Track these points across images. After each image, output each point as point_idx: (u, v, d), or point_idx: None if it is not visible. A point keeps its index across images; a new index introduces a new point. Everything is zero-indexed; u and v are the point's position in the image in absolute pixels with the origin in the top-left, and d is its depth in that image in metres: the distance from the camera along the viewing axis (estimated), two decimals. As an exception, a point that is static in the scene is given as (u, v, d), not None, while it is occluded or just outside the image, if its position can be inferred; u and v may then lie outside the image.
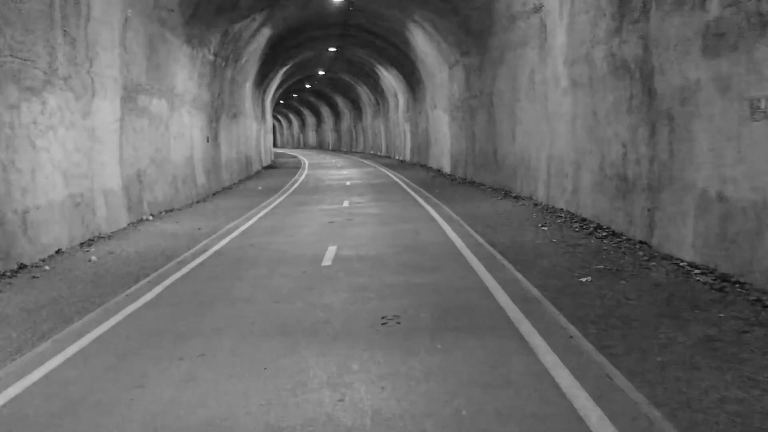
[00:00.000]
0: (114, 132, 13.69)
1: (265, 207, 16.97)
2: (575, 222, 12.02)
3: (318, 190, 22.06)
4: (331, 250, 10.15)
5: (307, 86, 59.20)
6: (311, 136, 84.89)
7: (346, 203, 17.24)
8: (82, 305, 7.30)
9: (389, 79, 40.05)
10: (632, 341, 5.41)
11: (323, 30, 32.16)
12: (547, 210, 13.93)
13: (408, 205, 16.18)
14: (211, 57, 21.31)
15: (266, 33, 27.05)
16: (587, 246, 9.79)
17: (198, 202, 19.12)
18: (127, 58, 14.23)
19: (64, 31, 11.32)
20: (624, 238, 10.10)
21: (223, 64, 23.40)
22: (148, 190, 15.57)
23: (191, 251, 10.64)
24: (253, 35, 25.56)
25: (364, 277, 8.17)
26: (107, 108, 13.25)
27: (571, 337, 5.56)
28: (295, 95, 68.92)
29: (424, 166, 33.08)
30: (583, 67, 12.19)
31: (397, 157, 43.36)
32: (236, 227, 13.22)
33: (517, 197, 16.70)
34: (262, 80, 34.58)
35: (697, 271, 7.60)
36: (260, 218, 14.59)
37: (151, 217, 15.04)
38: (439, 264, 8.85)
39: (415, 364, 5.02)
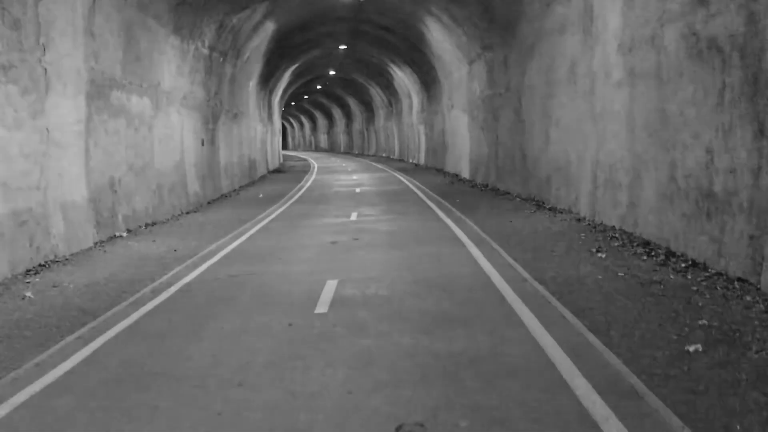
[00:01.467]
0: (78, 134, 11.38)
1: (260, 221, 14.62)
2: (635, 245, 9.56)
3: (324, 198, 19.69)
4: (330, 287, 7.77)
5: (318, 87, 56.95)
6: (323, 139, 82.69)
7: (353, 216, 14.86)
8: (-41, 386, 4.95)
9: (402, 78, 37.66)
10: None
11: (332, 26, 29.84)
12: (594, 227, 11.46)
13: (426, 219, 13.77)
14: (206, 51, 19.03)
15: (270, 28, 24.77)
16: (667, 284, 7.33)
17: (188, 212, 16.82)
18: (96, 46, 11.94)
19: (2, 9, 9.04)
20: (713, 272, 7.63)
21: (221, 60, 21.12)
22: (124, 201, 13.27)
23: (153, 285, 8.29)
24: (255, 29, 23.28)
25: (370, 338, 5.77)
26: (67, 106, 10.95)
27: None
28: (305, 96, 66.73)
29: (440, 171, 30.65)
30: (646, 53, 9.72)
31: (410, 161, 40.95)
32: (219, 249, 10.86)
33: (552, 209, 14.24)
34: (267, 79, 32.32)
35: None
36: (251, 236, 12.24)
37: (125, 234, 12.73)
38: (475, 313, 6.44)
39: None
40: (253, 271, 8.91)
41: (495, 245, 10.24)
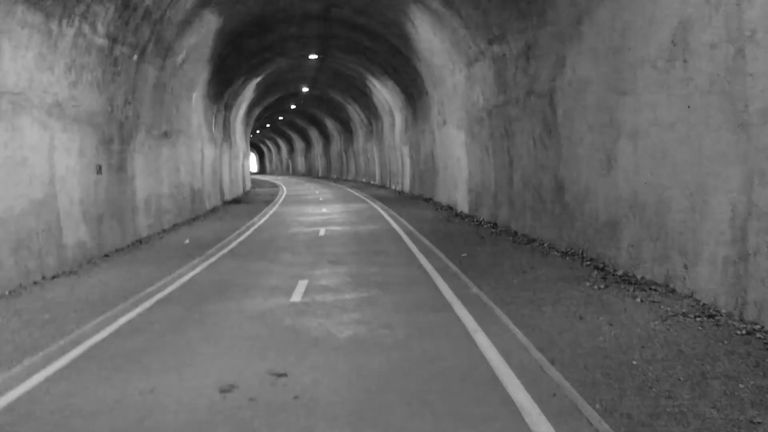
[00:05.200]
0: None
1: (131, 309, 8.51)
2: None
3: (271, 247, 13.64)
4: None
5: (292, 107, 51.12)
6: (300, 162, 76.70)
7: (298, 288, 8.82)
8: None
9: (383, 93, 31.92)
10: None
11: (298, 27, 24.06)
12: (742, 329, 5.61)
13: (421, 306, 7.74)
14: (102, 41, 13.05)
15: (212, 22, 18.88)
16: None
17: (54, 277, 10.69)
18: None
19: None
20: None
21: (135, 58, 15.14)
22: None
23: None
24: (189, 22, 17.37)
25: None
26: None
27: None
28: (280, 117, 60.88)
29: (428, 201, 24.74)
30: None
31: (393, 187, 35.07)
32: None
33: (628, 280, 8.33)
34: (220, 92, 26.36)
35: None
36: (70, 366, 6.18)
37: None
38: None
39: None
40: None
41: (598, 418, 4.23)
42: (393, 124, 33.49)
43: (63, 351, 6.21)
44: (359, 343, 6.07)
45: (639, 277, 8.38)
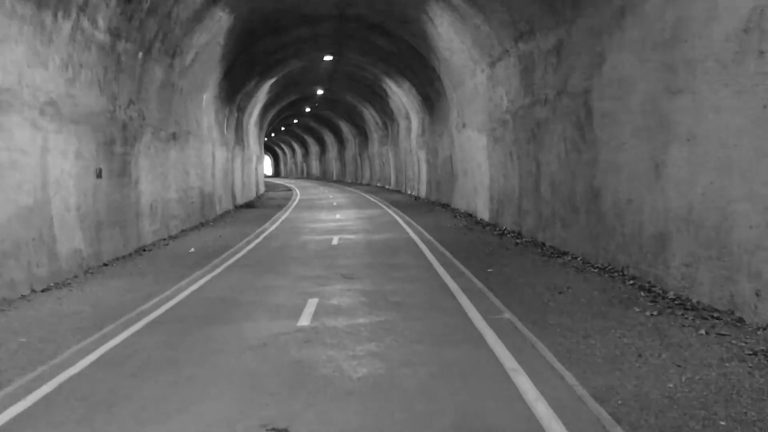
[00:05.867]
0: None
1: (117, 333, 7.53)
2: None
3: (281, 257, 12.66)
4: None
5: (307, 109, 50.29)
6: (314, 166, 75.91)
7: (305, 314, 7.77)
8: None
9: (399, 95, 30.94)
10: None
11: (312, 26, 23.14)
12: None
13: (448, 334, 6.68)
14: (103, 36, 12.17)
15: (224, 20, 18.02)
16: None
17: (44, 290, 9.77)
18: None
19: None
20: None
21: (140, 55, 14.28)
22: None
23: None
24: (198, 19, 16.51)
25: None
26: None
27: None
28: (295, 120, 60.11)
29: (446, 207, 23.70)
30: None
31: (409, 192, 34.05)
32: None
33: (682, 305, 7.24)
34: (232, 93, 25.51)
35: None
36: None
37: None
38: None
39: None
40: None
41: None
42: (409, 128, 32.50)
43: (27, 390, 5.26)
44: (376, 388, 5.05)
45: (694, 301, 7.29)
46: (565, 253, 11.53)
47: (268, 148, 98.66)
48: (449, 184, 23.92)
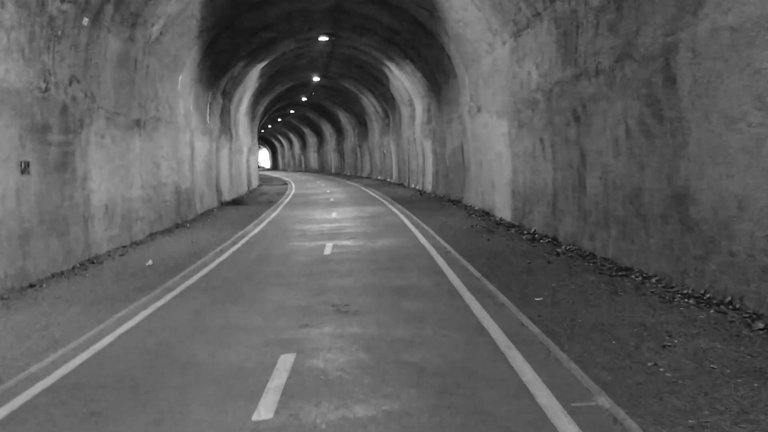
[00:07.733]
0: None
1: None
2: None
3: (255, 277, 9.75)
4: None
5: (303, 99, 47.33)
6: (313, 158, 72.96)
7: (270, 393, 4.89)
8: None
9: (401, 79, 28.00)
10: None
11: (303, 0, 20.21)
12: None
13: None
14: (24, -11, 9.25)
15: (196, -15, 15.07)
16: None
17: None
18: None
19: None
20: None
21: (85, 21, 11.34)
22: None
23: None
24: (164, -20, 13.57)
25: None
26: None
27: None
28: (292, 111, 57.13)
29: (457, 204, 20.81)
30: None
31: (413, 186, 31.16)
32: None
33: None
34: (216, 76, 22.56)
35: None
36: None
37: None
38: None
39: None
40: None
41: None
42: (413, 115, 29.59)
43: None
44: None
45: None
46: (628, 270, 8.66)
47: (266, 141, 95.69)
48: (460, 176, 21.04)
